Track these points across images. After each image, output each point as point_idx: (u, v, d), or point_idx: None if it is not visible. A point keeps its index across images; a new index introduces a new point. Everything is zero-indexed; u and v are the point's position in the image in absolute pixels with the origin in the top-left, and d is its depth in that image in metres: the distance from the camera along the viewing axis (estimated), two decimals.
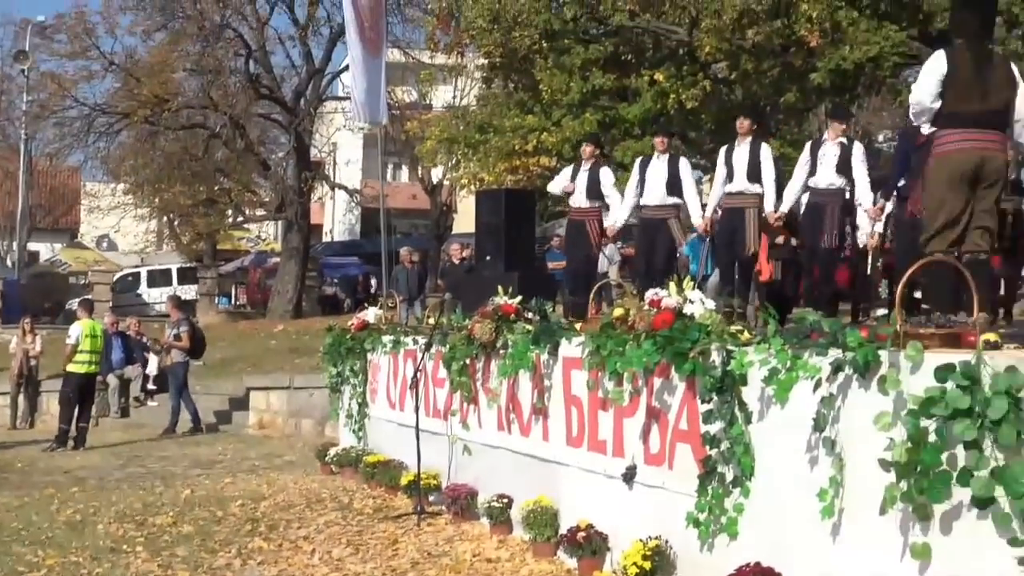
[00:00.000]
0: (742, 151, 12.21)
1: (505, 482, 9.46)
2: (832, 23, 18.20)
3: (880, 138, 43.31)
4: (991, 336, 5.32)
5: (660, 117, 23.96)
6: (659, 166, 12.79)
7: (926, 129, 8.80)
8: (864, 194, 11.76)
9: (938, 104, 7.52)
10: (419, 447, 10.15)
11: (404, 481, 10.95)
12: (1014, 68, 7.76)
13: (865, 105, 35.00)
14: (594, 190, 13.28)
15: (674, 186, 12.65)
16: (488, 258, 15.24)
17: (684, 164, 12.87)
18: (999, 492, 4.89)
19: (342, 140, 47.90)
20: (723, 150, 12.62)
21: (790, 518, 6.06)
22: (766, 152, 12.21)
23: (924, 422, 5.08)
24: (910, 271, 5.76)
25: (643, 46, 25.21)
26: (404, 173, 54.57)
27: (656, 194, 12.73)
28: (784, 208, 12.30)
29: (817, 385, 5.79)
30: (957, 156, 7.50)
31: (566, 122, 25.61)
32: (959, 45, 7.64)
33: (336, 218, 59.01)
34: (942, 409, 5.01)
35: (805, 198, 12.21)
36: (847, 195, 11.79)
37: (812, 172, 11.80)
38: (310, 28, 35.19)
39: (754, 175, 12.08)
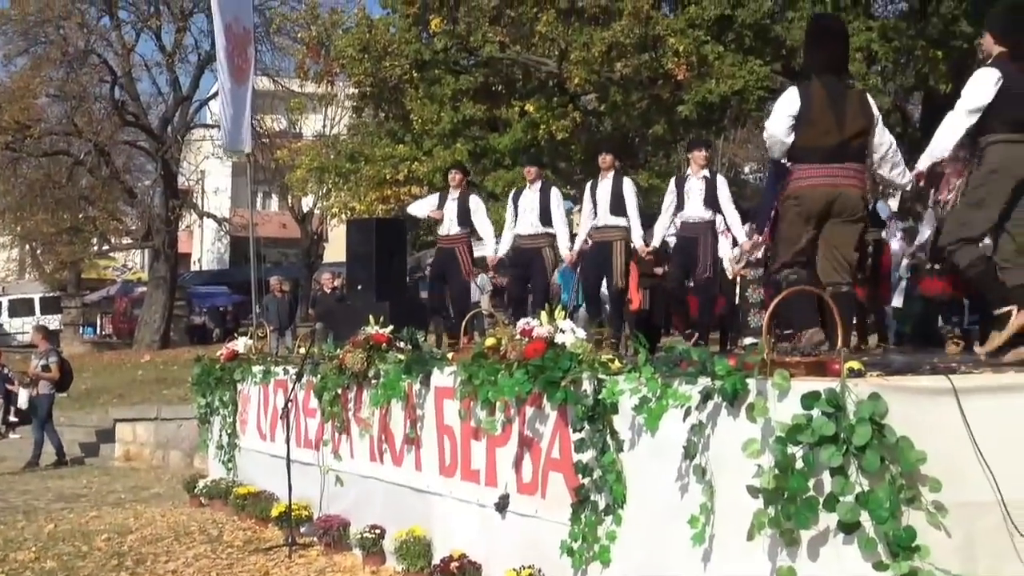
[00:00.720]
0: (605, 185, 12.35)
1: (378, 513, 9.41)
2: (698, 57, 18.53)
3: (746, 169, 44.18)
4: (855, 364, 5.44)
5: (530, 147, 24.12)
6: (531, 196, 12.91)
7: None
8: (737, 227, 12.04)
9: (791, 138, 7.59)
10: (290, 478, 10.06)
11: (275, 512, 10.82)
12: (871, 101, 7.88)
13: (731, 137, 35.72)
14: (464, 218, 13.33)
15: (546, 216, 12.76)
16: (359, 287, 15.18)
17: (555, 194, 12.97)
18: (864, 517, 5.01)
19: (211, 168, 47.39)
20: (588, 185, 12.79)
21: (662, 545, 6.12)
22: (628, 186, 12.40)
23: (791, 449, 5.18)
24: (775, 301, 5.88)
25: (513, 77, 25.40)
26: (274, 202, 54.07)
27: (529, 224, 12.83)
28: (655, 242, 12.52)
29: (687, 413, 5.86)
30: (808, 192, 7.56)
31: (437, 152, 25.65)
32: (812, 81, 7.73)
33: (205, 247, 58.28)
34: (808, 436, 5.12)
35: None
36: (715, 226, 12.03)
37: (680, 207, 12.01)
38: (177, 55, 34.80)
39: (617, 209, 12.24)
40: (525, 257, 12.97)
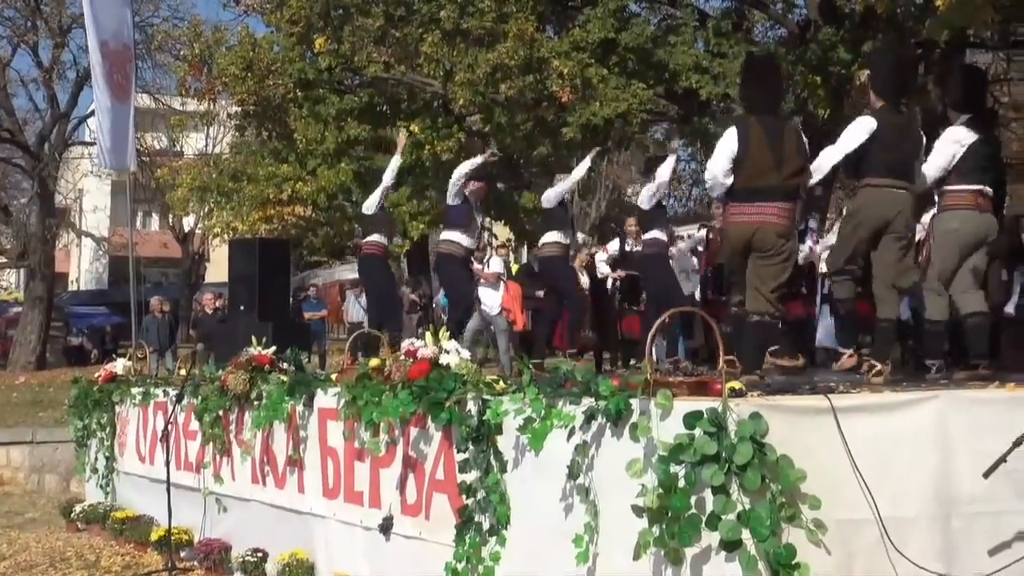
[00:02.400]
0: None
1: (260, 536, 9.31)
2: (583, 79, 18.65)
3: (628, 191, 44.57)
4: (736, 384, 5.52)
5: (415, 168, 24.09)
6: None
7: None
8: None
9: (730, 180, 7.80)
10: (170, 501, 9.88)
11: (154, 537, 10.66)
12: (804, 138, 8.10)
13: (614, 160, 36.03)
14: None
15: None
16: (242, 308, 15.07)
17: None
18: (746, 535, 5.07)
19: (89, 186, 46.57)
20: None
21: (546, 565, 6.14)
22: None
23: (674, 468, 5.23)
24: (657, 323, 5.93)
25: (398, 97, 25.32)
26: (155, 221, 53.21)
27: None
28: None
29: (571, 433, 5.89)
30: (733, 230, 7.87)
31: (321, 172, 25.47)
32: (750, 120, 7.94)
33: (83, 266, 57.16)
34: (691, 455, 5.17)
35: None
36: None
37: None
38: (55, 71, 34.11)
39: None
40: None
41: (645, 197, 12.66)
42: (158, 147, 40.63)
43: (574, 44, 18.99)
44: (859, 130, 7.97)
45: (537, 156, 22.33)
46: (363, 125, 25.00)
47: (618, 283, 14.56)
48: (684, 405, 5.37)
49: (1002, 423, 5.70)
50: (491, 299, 14.51)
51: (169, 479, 10.01)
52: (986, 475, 5.38)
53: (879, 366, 7.76)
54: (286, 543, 8.85)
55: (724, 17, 20.23)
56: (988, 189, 8.20)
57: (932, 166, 8.17)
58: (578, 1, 20.83)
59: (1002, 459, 5.34)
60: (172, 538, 10.04)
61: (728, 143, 7.80)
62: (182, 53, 27.73)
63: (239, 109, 26.48)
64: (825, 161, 8.14)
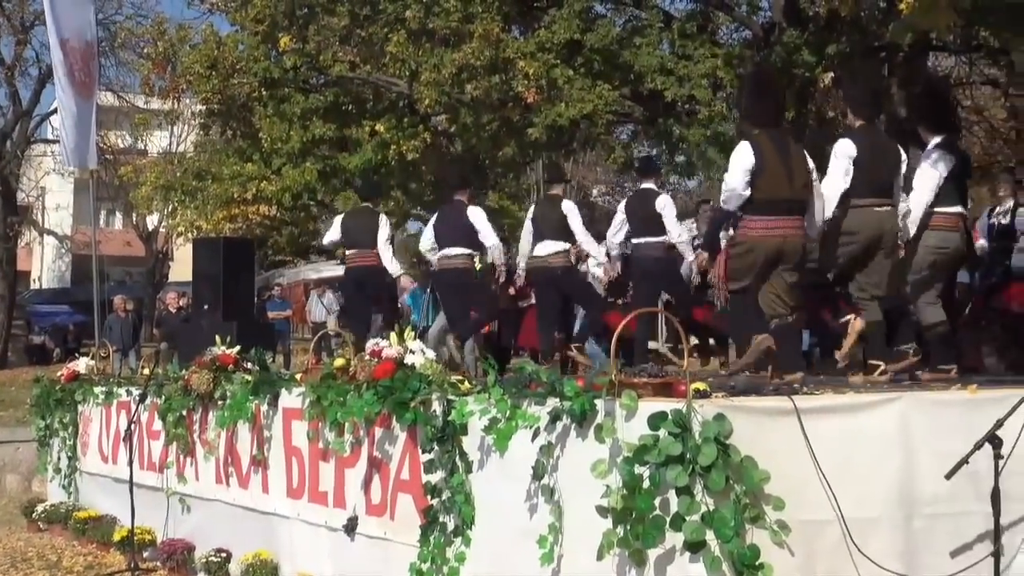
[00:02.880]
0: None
1: (224, 536, 9.29)
2: (548, 80, 18.64)
3: (595, 192, 44.69)
4: (701, 385, 5.55)
5: (381, 168, 24.05)
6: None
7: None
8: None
9: (749, 192, 7.87)
10: (133, 501, 9.83)
11: (117, 537, 10.60)
12: (807, 155, 8.22)
13: (580, 160, 36.07)
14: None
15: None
16: (206, 307, 14.99)
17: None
18: (710, 536, 5.09)
19: (52, 184, 46.15)
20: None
21: (511, 565, 6.15)
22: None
23: (639, 469, 5.24)
24: (621, 325, 5.95)
25: (364, 97, 25.25)
26: (118, 219, 52.92)
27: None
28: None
29: (536, 434, 5.90)
30: (762, 243, 7.88)
31: (286, 171, 25.38)
32: (759, 134, 8.01)
33: (45, 265, 56.67)
34: (655, 456, 5.19)
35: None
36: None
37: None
38: (17, 68, 33.84)
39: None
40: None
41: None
42: (122, 145, 40.37)
43: (540, 45, 18.99)
44: (845, 151, 8.10)
45: (503, 156, 22.31)
46: (328, 124, 24.93)
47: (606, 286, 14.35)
48: (649, 406, 5.39)
49: (964, 424, 5.76)
50: None
51: (132, 479, 9.95)
52: (948, 476, 5.43)
53: (883, 365, 7.97)
54: (250, 543, 8.83)
55: (689, 19, 20.25)
56: (966, 211, 8.68)
57: (917, 202, 8.43)
58: (544, 2, 20.82)
59: (964, 460, 5.39)
60: (135, 538, 9.99)
61: (744, 156, 7.89)
62: (146, 51, 27.55)
63: (203, 108, 26.37)
64: (831, 192, 8.16)
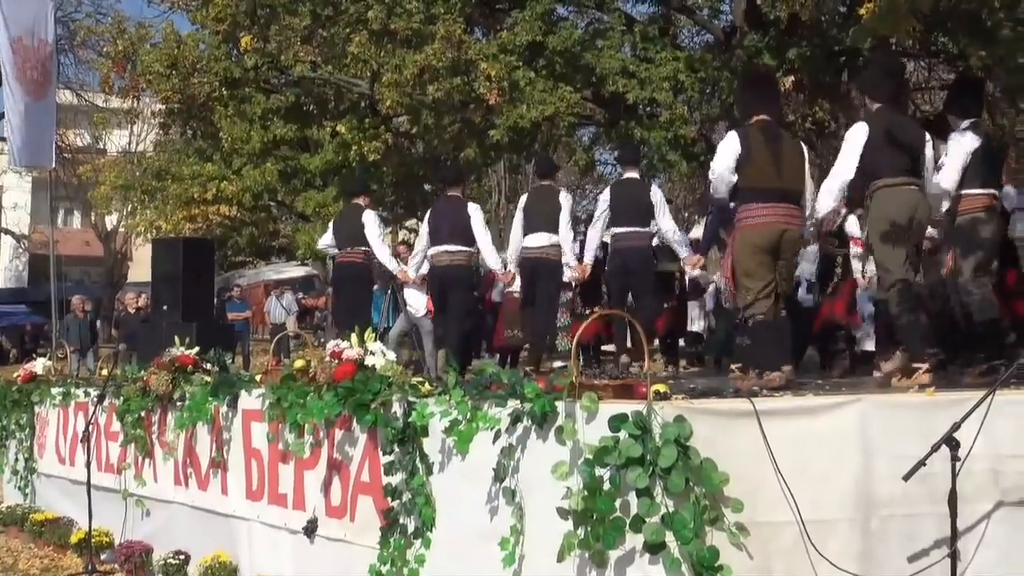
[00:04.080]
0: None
1: (182, 538, 9.24)
2: (510, 82, 18.64)
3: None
4: (661, 387, 5.56)
5: (342, 168, 24.01)
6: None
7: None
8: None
9: (735, 177, 7.84)
10: (90, 503, 9.75)
11: (74, 539, 10.53)
12: (803, 147, 8.26)
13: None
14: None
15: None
16: (165, 308, 14.91)
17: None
18: (669, 537, 5.11)
19: (9, 183, 45.88)
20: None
21: (472, 567, 6.14)
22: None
23: (599, 471, 5.25)
24: (582, 327, 5.96)
25: (325, 97, 25.22)
26: (77, 219, 52.51)
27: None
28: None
29: (497, 436, 5.90)
30: (761, 229, 7.79)
31: (247, 171, 25.34)
32: (749, 125, 8.01)
33: (2, 264, 56.25)
34: (616, 458, 5.20)
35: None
36: None
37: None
38: None
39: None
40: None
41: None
42: (81, 144, 40.13)
43: (502, 47, 19.00)
44: (856, 137, 7.91)
45: (464, 158, 22.31)
46: (289, 125, 24.91)
47: (578, 288, 14.19)
48: (609, 408, 5.40)
49: (921, 427, 5.78)
50: (416, 300, 14.44)
51: (90, 481, 9.89)
52: (906, 478, 5.45)
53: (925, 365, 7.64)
54: (209, 545, 8.78)
55: (651, 22, 20.33)
56: (998, 193, 8.72)
57: (947, 179, 8.40)
58: (506, 4, 20.83)
59: (922, 462, 5.42)
60: (92, 540, 9.92)
61: (731, 143, 7.91)
62: (105, 49, 27.38)
63: (163, 107, 26.26)
64: (835, 183, 7.97)
